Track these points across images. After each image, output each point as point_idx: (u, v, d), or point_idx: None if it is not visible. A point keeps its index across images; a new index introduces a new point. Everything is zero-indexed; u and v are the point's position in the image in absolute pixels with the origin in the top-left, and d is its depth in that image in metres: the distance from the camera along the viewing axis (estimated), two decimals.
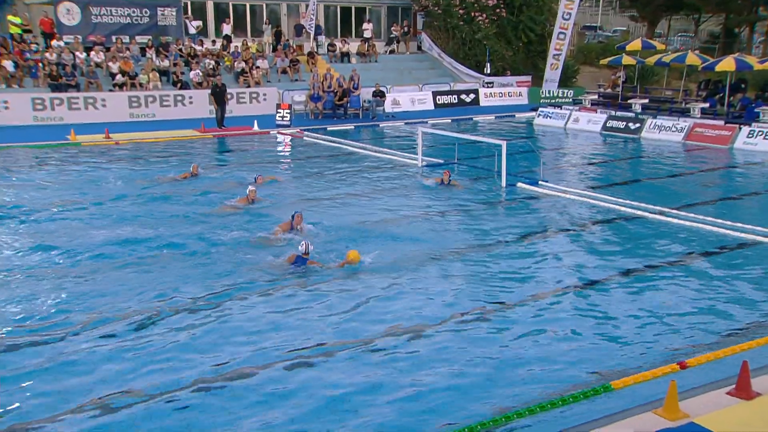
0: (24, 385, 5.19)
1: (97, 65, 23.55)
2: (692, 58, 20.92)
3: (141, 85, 23.09)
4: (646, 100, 22.16)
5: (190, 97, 22.93)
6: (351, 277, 7.41)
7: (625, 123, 20.93)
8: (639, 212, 10.69)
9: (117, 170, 13.77)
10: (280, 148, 18.16)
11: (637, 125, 20.58)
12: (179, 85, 23.50)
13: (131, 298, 6.85)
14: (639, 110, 21.47)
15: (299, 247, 7.74)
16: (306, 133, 20.26)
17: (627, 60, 22.66)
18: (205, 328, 6.13)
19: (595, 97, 24.14)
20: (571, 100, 26.55)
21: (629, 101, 22.27)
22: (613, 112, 21.88)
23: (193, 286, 7.17)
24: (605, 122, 21.51)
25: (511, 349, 5.78)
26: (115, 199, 10.88)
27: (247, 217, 9.72)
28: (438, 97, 27.48)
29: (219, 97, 20.26)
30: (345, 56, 29.06)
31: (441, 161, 15.35)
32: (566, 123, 22.60)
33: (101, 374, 5.32)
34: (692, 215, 10.35)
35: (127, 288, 7.09)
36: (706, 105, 20.34)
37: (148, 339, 5.90)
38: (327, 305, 6.69)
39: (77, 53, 23.45)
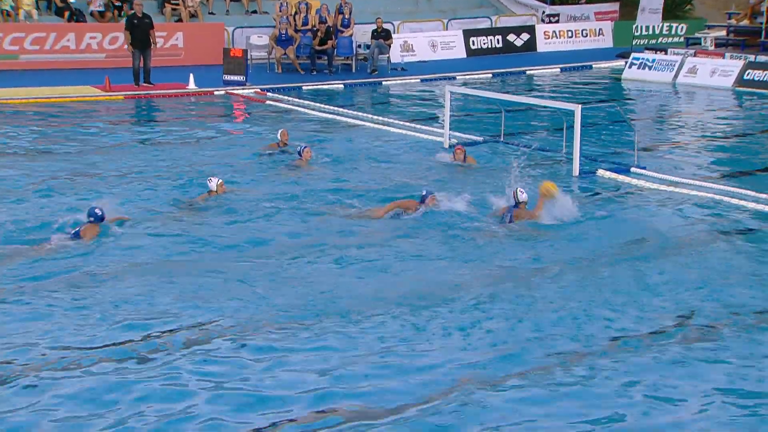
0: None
1: None
2: None
3: (6, 13, 23.06)
4: None
5: (92, 36, 22.92)
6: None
7: None
8: None
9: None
10: (227, 120, 18.06)
11: None
12: (67, 14, 23.48)
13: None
14: None
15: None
16: (270, 94, 20.20)
17: None
18: None
19: (723, 33, 24.00)
20: (683, 39, 26.39)
21: None
22: (752, 58, 21.76)
23: None
24: (741, 73, 21.42)
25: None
26: None
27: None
28: (473, 39, 27.43)
29: (140, 35, 20.08)
30: None
31: (479, 139, 15.25)
32: (676, 76, 22.52)
33: None
34: None
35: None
36: None
37: None
38: None
39: None
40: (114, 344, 6.91)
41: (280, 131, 14.36)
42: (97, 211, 9.67)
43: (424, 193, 10.56)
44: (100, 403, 6.01)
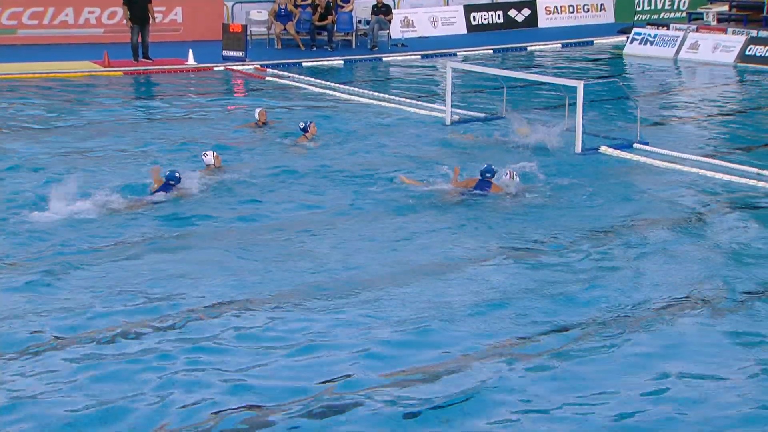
0: None
1: None
2: None
3: None
4: None
5: (90, 11, 22.87)
6: None
7: None
8: None
9: None
10: (226, 96, 18.08)
11: None
12: None
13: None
14: None
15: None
16: (269, 70, 20.18)
17: None
18: None
19: (725, 8, 23.92)
20: (684, 14, 26.30)
21: None
22: (755, 33, 21.73)
23: None
24: (743, 49, 21.39)
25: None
26: None
27: None
28: (473, 14, 27.33)
29: (138, 10, 20.07)
30: None
31: (480, 115, 15.30)
32: (678, 51, 22.46)
33: None
34: None
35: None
36: None
37: None
38: None
39: None
40: (113, 326, 6.97)
41: (258, 110, 14.33)
42: (177, 174, 10.32)
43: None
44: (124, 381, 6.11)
